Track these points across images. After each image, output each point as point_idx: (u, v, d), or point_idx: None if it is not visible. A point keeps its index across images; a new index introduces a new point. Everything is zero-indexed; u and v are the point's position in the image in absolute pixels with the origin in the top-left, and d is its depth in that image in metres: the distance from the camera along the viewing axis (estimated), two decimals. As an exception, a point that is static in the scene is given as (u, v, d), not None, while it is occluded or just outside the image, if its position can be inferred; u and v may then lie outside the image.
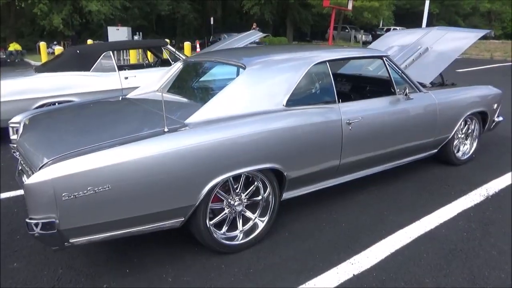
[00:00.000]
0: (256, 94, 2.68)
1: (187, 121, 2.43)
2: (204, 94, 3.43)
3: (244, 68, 2.74)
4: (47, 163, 2.00)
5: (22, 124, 2.93)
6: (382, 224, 2.98)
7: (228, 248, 2.61)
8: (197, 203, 2.34)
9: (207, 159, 2.32)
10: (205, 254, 2.61)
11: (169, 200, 2.25)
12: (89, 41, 16.09)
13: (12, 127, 3.09)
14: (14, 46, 18.99)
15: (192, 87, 3.61)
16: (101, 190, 2.01)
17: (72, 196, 1.95)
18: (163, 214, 2.26)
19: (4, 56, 17.77)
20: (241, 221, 2.70)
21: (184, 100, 3.07)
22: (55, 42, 20.98)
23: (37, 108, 4.75)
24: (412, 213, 3.13)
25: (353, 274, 2.39)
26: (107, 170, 2.03)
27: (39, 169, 1.98)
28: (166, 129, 2.26)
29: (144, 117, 2.74)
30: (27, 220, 1.96)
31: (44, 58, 13.22)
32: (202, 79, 3.63)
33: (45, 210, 1.94)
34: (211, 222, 2.54)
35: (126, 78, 5.55)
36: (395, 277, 2.37)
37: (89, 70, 5.40)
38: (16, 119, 3.10)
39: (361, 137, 3.07)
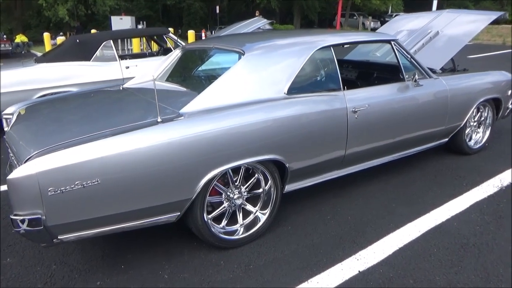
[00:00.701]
0: (256, 81, 2.53)
1: (182, 110, 2.30)
2: (201, 82, 3.29)
3: (243, 54, 2.59)
4: (32, 156, 1.90)
5: (15, 115, 2.83)
6: (390, 217, 2.84)
7: (228, 243, 2.50)
8: (193, 197, 2.22)
9: (203, 150, 2.19)
10: (203, 249, 2.50)
11: (163, 194, 2.14)
12: (93, 31, 15.98)
13: (6, 119, 2.99)
14: (20, 38, 18.96)
15: (189, 75, 3.47)
16: (90, 184, 1.90)
17: (59, 191, 1.85)
18: (157, 208, 2.15)
19: (11, 48, 17.74)
20: (241, 214, 2.58)
21: (181, 89, 2.94)
22: (60, 33, 20.92)
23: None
24: (422, 206, 2.98)
25: (359, 271, 2.27)
26: (96, 163, 1.91)
27: (24, 162, 1.88)
28: (159, 120, 2.14)
29: (138, 107, 2.61)
30: (12, 217, 1.86)
31: (48, 49, 13.16)
32: (199, 66, 3.49)
33: (30, 206, 1.83)
34: (210, 216, 2.43)
35: (127, 67, 5.43)
36: (403, 273, 2.24)
37: (89, 60, 5.29)
38: (9, 110, 2.99)
39: (367, 126, 2.92)
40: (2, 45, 16.83)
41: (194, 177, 2.21)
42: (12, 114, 2.89)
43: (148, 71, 3.40)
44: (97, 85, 4.93)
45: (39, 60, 5.42)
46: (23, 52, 17.70)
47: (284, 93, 2.58)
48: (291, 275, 2.26)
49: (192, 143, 2.15)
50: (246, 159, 2.36)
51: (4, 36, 19.19)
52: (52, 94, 4.81)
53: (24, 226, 1.85)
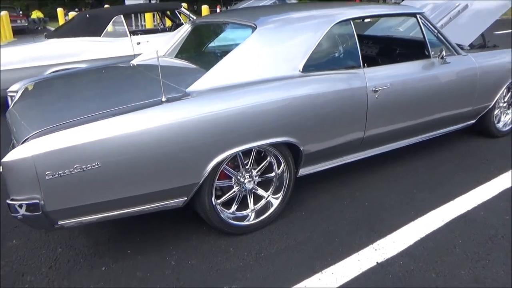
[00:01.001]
0: (268, 58, 2.35)
1: (190, 89, 2.15)
2: (211, 58, 3.11)
3: (255, 28, 2.40)
4: (29, 137, 1.78)
5: (19, 92, 2.73)
6: (411, 203, 2.67)
7: (238, 229, 2.38)
8: (200, 181, 2.09)
9: (211, 132, 2.05)
10: (212, 235, 2.39)
11: (168, 179, 2.01)
12: (106, 6, 15.79)
13: (10, 96, 2.89)
14: (36, 14, 18.96)
15: (199, 51, 3.30)
16: (90, 168, 1.79)
17: (57, 175, 1.74)
18: (162, 193, 2.03)
19: (27, 24, 17.75)
20: (252, 199, 2.45)
21: (190, 65, 2.77)
22: (76, 9, 20.82)
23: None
24: (446, 192, 2.79)
25: (377, 262, 2.12)
26: (96, 145, 1.79)
27: (22, 143, 1.77)
28: (164, 99, 1.99)
29: (144, 86, 2.46)
30: (8, 202, 1.76)
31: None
32: (210, 42, 3.30)
33: (27, 190, 1.73)
34: (219, 201, 2.31)
35: (139, 43, 5.28)
36: (425, 266, 2.08)
37: (100, 36, 5.15)
38: (14, 87, 2.89)
39: (389, 106, 2.72)
40: (18, 21, 16.84)
41: (202, 161, 2.07)
42: (17, 91, 2.79)
43: (158, 47, 3.24)
44: (107, 61, 4.80)
45: (50, 35, 5.30)
46: (39, 28, 17.72)
47: (299, 70, 2.39)
48: (304, 264, 2.13)
49: (199, 124, 2.01)
50: (258, 142, 2.21)
51: (20, 12, 19.20)
52: (62, 70, 4.71)
53: (22, 212, 1.76)
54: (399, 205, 2.66)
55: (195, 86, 2.15)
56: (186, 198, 2.13)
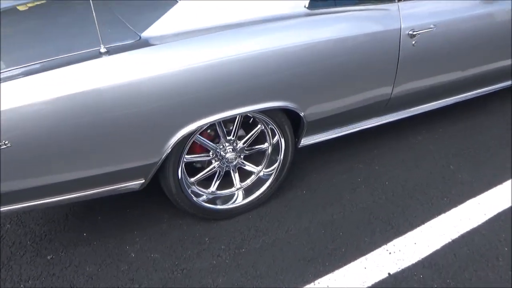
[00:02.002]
0: (259, -13, 1.67)
1: (145, 33, 1.55)
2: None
3: None
4: None
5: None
6: (444, 187, 2.07)
7: (216, 215, 1.91)
8: (159, 161, 1.58)
9: (173, 97, 1.48)
10: (188, 217, 1.94)
11: (112, 159, 1.51)
12: None
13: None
14: None
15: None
16: (-4, 148, 1.30)
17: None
18: (108, 176, 1.54)
19: None
20: (237, 175, 1.94)
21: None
22: None
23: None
24: (491, 172, 2.17)
25: (389, 273, 1.62)
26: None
27: None
28: (102, 49, 1.41)
29: (89, 28, 1.77)
30: None
31: None
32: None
33: None
34: (193, 179, 1.82)
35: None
36: (455, 285, 1.56)
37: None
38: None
39: (429, 56, 2.02)
40: None
41: (161, 134, 1.54)
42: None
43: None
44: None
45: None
46: None
47: (305, 6, 1.72)
48: (294, 269, 1.66)
49: (156, 85, 1.44)
50: (240, 108, 1.63)
51: None
52: None
53: None
54: (429, 188, 2.07)
55: (153, 30, 1.54)
56: (143, 181, 1.64)
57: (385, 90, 2.02)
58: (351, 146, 2.40)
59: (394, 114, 2.23)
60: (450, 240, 1.75)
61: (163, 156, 1.58)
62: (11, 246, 1.84)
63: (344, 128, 2.08)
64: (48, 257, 1.77)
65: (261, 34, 1.62)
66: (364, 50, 1.83)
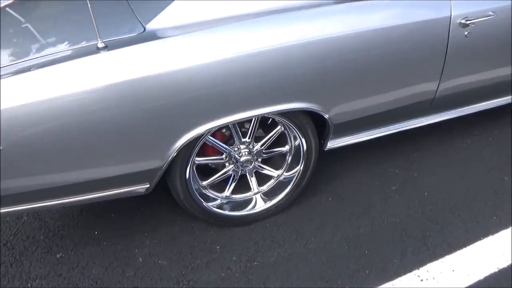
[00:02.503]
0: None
1: (150, 25, 1.40)
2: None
3: None
4: None
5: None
6: (495, 203, 1.78)
7: (229, 222, 1.77)
8: (164, 166, 1.45)
9: (180, 96, 1.34)
10: (200, 222, 1.81)
11: (113, 162, 1.41)
12: None
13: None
14: None
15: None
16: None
17: None
18: (108, 181, 1.44)
19: None
20: (254, 179, 1.78)
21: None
22: None
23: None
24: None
25: (418, 306, 1.41)
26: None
27: None
28: (100, 44, 1.28)
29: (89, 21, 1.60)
30: None
31: None
32: None
33: None
34: (205, 183, 1.68)
35: None
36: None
37: None
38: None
39: (483, 49, 1.72)
40: None
41: (164, 138, 1.41)
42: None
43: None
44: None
45: None
46: None
47: (332, -7, 1.48)
48: (310, 289, 1.50)
49: (161, 83, 1.30)
50: (256, 110, 1.46)
51: None
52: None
53: None
54: (475, 202, 1.79)
55: (159, 21, 1.39)
56: (148, 185, 1.53)
57: (429, 87, 1.75)
58: (387, 146, 2.15)
59: (440, 114, 1.95)
60: (496, 270, 1.49)
61: (168, 160, 1.45)
62: (25, 240, 1.83)
63: (378, 130, 1.84)
64: (58, 256, 1.73)
65: (281, 24, 1.41)
66: (408, 43, 1.57)
